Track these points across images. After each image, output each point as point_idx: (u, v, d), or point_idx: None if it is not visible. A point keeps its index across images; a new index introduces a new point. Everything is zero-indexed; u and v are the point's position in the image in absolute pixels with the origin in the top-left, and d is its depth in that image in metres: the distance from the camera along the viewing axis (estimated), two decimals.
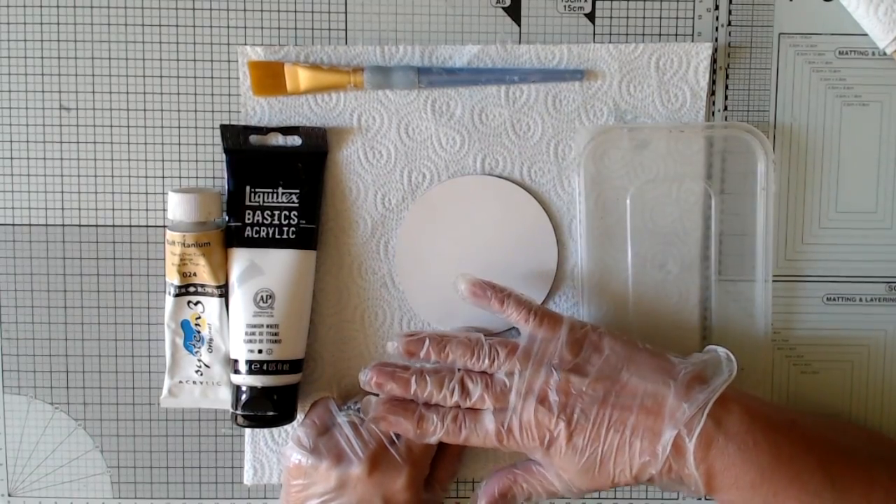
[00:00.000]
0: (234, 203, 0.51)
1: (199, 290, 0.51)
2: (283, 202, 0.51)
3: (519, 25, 0.53)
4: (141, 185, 0.53)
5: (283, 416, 0.51)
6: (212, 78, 0.53)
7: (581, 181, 0.52)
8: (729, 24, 0.53)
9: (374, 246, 0.54)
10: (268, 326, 0.50)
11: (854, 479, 0.44)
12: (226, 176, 0.52)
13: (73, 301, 0.54)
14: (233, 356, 0.51)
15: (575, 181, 0.53)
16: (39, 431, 0.55)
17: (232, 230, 0.51)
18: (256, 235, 0.51)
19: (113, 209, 0.53)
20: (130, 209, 0.53)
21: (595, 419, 0.45)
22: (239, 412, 0.51)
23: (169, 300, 0.51)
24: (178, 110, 0.53)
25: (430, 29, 0.53)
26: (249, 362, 0.50)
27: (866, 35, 0.53)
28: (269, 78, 0.52)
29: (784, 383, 0.55)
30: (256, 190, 0.51)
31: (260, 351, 0.50)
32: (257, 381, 0.50)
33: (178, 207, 0.50)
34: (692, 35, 0.53)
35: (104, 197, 0.53)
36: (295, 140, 0.52)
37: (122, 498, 0.55)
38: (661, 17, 0.53)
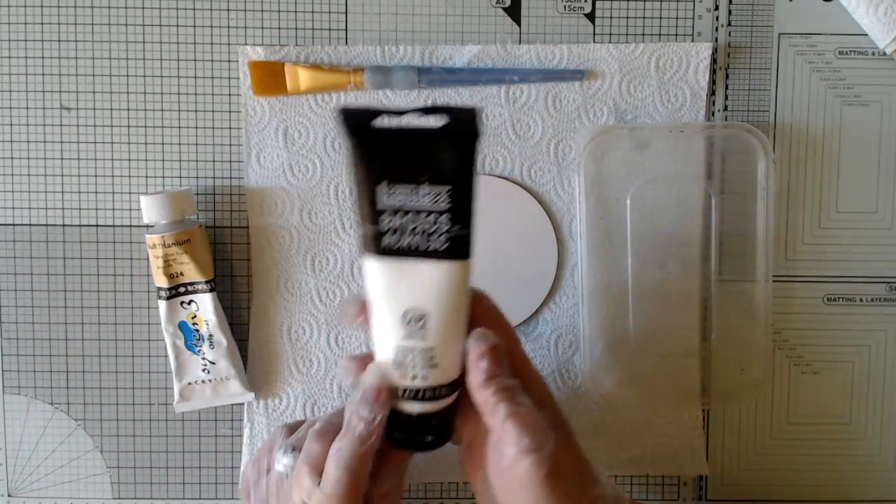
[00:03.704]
0: (365, 205, 0.39)
1: (189, 288, 0.51)
2: (428, 204, 0.39)
3: (519, 25, 0.53)
4: (141, 185, 0.53)
5: (440, 438, 0.43)
6: (212, 78, 0.53)
7: (581, 181, 0.52)
8: (729, 24, 0.53)
9: None
10: (421, 350, 0.40)
11: None
12: (352, 171, 0.38)
13: (73, 301, 0.54)
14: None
15: (575, 181, 0.53)
16: (39, 431, 0.55)
17: (369, 236, 0.39)
18: (396, 244, 0.39)
19: (113, 209, 0.53)
20: (131, 209, 0.53)
21: None
22: (394, 434, 0.42)
23: (162, 304, 0.51)
24: (179, 110, 0.53)
25: (430, 29, 0.53)
26: (402, 389, 0.41)
27: (866, 35, 0.53)
28: (270, 78, 0.52)
29: (784, 383, 0.55)
30: (394, 187, 0.39)
31: (414, 377, 0.41)
32: (412, 407, 0.41)
33: (151, 209, 0.50)
34: (692, 35, 0.53)
35: (104, 197, 0.53)
36: (439, 123, 0.38)
37: (122, 498, 0.55)
38: (661, 17, 0.53)
